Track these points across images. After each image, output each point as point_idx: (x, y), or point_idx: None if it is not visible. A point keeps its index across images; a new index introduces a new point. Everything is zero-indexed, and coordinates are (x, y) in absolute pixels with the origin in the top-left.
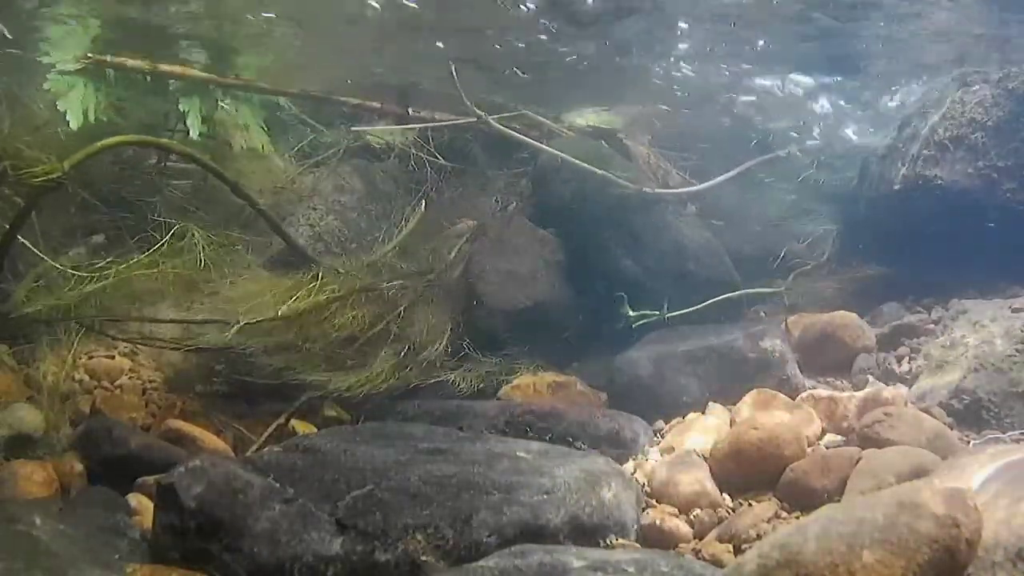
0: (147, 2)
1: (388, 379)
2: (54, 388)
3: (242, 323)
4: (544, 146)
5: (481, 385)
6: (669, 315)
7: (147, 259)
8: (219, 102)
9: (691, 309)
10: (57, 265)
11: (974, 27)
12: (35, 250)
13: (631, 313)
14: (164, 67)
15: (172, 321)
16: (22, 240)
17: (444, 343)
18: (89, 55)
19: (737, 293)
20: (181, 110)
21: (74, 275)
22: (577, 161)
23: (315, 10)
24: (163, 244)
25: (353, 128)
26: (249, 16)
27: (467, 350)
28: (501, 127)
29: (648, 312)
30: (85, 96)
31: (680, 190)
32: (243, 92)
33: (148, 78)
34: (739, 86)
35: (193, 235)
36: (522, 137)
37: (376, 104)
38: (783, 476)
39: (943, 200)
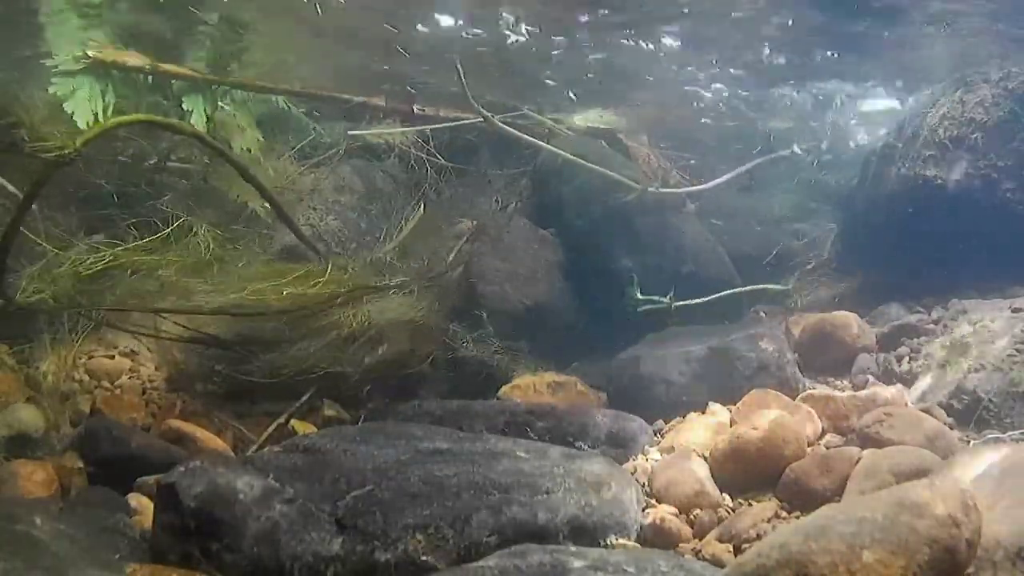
0: None
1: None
2: (54, 388)
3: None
4: (548, 145)
5: (498, 361)
6: (676, 303)
7: (151, 244)
8: (219, 103)
9: (698, 300)
10: (59, 252)
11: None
12: (37, 237)
13: (639, 296)
14: (165, 67)
15: (177, 311)
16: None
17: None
18: (90, 53)
19: (746, 288)
20: (184, 109)
21: (77, 257)
22: (581, 160)
23: None
24: (168, 233)
25: (351, 132)
26: None
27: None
28: (505, 127)
29: (655, 298)
30: (92, 97)
31: (683, 189)
32: (243, 92)
33: (150, 78)
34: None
35: (197, 230)
36: (526, 137)
37: (380, 102)
38: (783, 476)
39: (943, 200)
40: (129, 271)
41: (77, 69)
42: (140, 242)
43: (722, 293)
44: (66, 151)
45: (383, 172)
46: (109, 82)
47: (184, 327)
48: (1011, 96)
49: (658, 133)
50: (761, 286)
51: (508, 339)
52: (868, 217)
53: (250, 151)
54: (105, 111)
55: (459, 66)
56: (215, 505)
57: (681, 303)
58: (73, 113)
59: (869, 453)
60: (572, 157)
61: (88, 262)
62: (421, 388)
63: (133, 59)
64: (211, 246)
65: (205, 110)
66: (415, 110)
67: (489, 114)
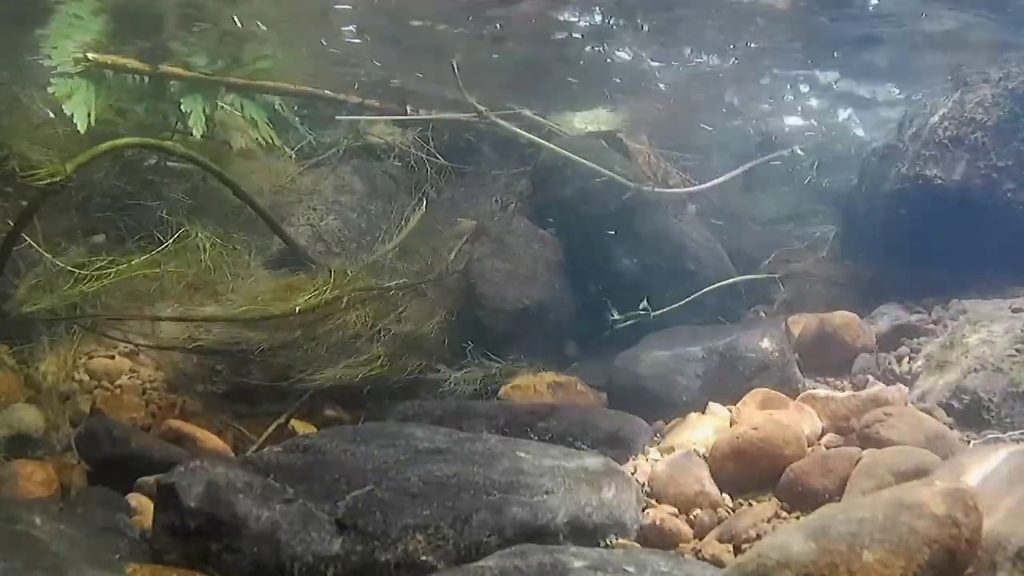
0: None
1: (385, 367)
2: (54, 388)
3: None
4: (545, 142)
5: (478, 387)
6: (656, 312)
7: (149, 258)
8: (219, 102)
9: (682, 303)
10: (58, 263)
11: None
12: (36, 246)
13: (615, 316)
14: (165, 68)
15: (174, 319)
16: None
17: (443, 338)
18: (89, 56)
19: (729, 281)
20: (183, 110)
21: (75, 271)
22: (576, 157)
23: None
24: (166, 246)
25: (339, 117)
26: None
27: (468, 354)
28: (503, 123)
29: (633, 313)
30: (88, 98)
31: (680, 190)
32: (244, 91)
33: (146, 79)
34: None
35: (195, 235)
36: (524, 133)
37: (375, 103)
38: (783, 476)
39: (943, 200)
40: (129, 278)
41: (76, 71)
42: (142, 256)
43: (705, 289)
44: (57, 178)
45: (383, 172)
46: (106, 85)
47: (184, 335)
48: (1011, 96)
49: (660, 133)
50: (744, 277)
51: (508, 339)
52: (868, 217)
53: (270, 142)
54: (100, 112)
55: (454, 64)
56: (215, 505)
57: (660, 311)
58: (72, 115)
59: (869, 453)
60: (568, 154)
61: (88, 278)
62: (421, 388)
63: (133, 61)
64: (208, 253)
65: (204, 110)
66: (408, 111)
67: (484, 108)
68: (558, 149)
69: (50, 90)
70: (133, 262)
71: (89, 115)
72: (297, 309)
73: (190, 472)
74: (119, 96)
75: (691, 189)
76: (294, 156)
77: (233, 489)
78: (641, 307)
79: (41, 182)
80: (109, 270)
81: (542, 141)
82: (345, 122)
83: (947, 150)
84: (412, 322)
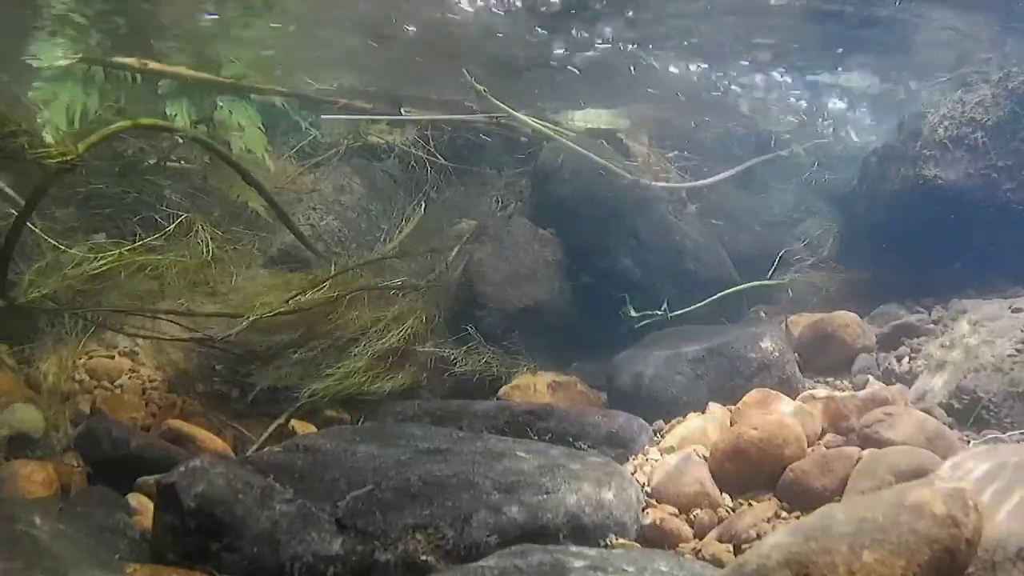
0: None
1: (389, 378)
2: (54, 388)
3: (249, 317)
4: (553, 133)
5: (483, 374)
6: (672, 314)
7: (151, 244)
8: (217, 103)
9: (694, 307)
10: (60, 245)
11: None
12: (35, 228)
13: (633, 314)
14: (154, 66)
15: (176, 313)
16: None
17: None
18: (77, 54)
19: (737, 288)
20: (168, 114)
21: (78, 254)
22: (581, 148)
23: None
24: (169, 231)
25: (324, 116)
26: None
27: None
28: (524, 118)
29: (650, 312)
30: (72, 100)
31: (678, 184)
32: (235, 93)
33: (138, 79)
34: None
35: (198, 230)
36: (536, 124)
37: (367, 105)
38: (783, 476)
39: (943, 200)
40: (130, 272)
41: (61, 71)
42: (142, 242)
43: (716, 295)
44: (68, 157)
45: (383, 172)
46: (94, 86)
47: (185, 327)
48: (1011, 96)
49: (660, 133)
50: (755, 283)
51: (508, 339)
52: (868, 217)
53: (251, 152)
54: (87, 112)
55: (467, 71)
56: (215, 505)
57: (676, 313)
58: (49, 120)
59: (869, 453)
60: (574, 145)
61: (91, 264)
62: (421, 388)
63: (120, 59)
64: (211, 247)
65: (192, 113)
66: (403, 112)
67: (510, 109)
68: (566, 141)
69: (30, 94)
70: (135, 246)
71: (71, 118)
72: (299, 296)
73: (190, 472)
74: (115, 96)
75: (686, 184)
76: (294, 156)
77: (233, 489)
78: (661, 309)
79: (52, 160)
80: (111, 253)
81: (548, 128)
82: (345, 120)
83: (947, 150)
84: (411, 322)
